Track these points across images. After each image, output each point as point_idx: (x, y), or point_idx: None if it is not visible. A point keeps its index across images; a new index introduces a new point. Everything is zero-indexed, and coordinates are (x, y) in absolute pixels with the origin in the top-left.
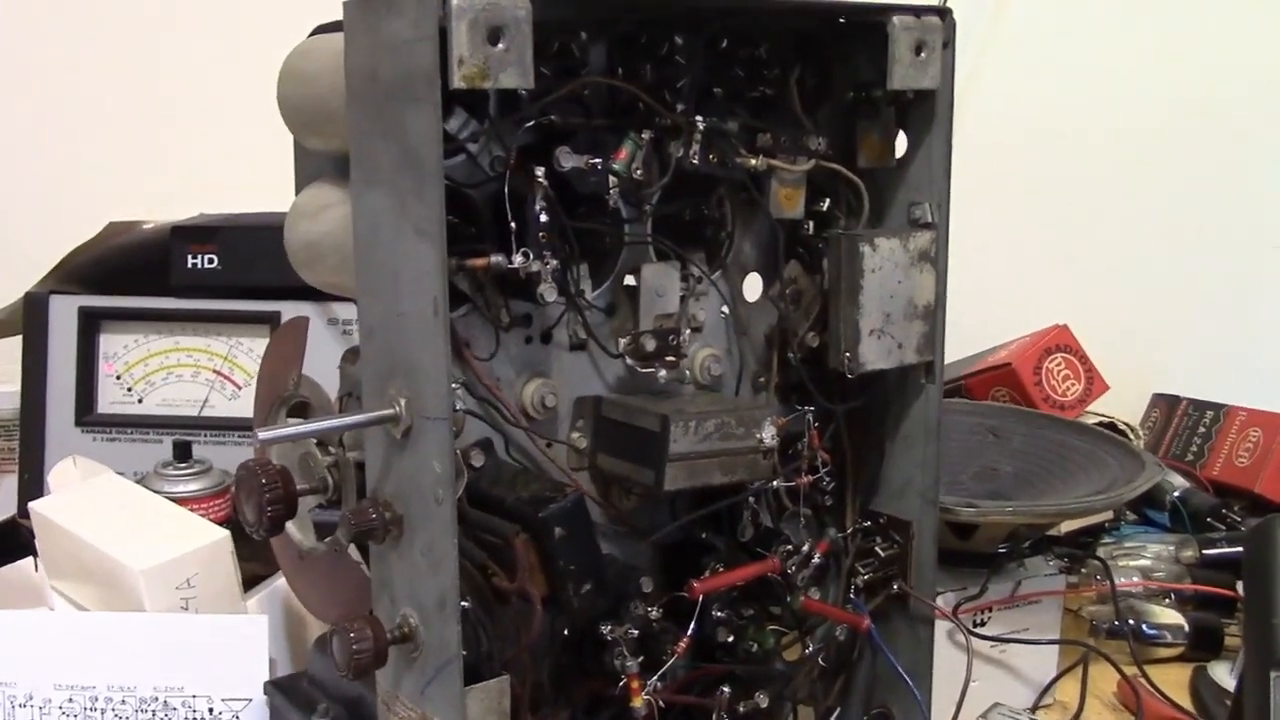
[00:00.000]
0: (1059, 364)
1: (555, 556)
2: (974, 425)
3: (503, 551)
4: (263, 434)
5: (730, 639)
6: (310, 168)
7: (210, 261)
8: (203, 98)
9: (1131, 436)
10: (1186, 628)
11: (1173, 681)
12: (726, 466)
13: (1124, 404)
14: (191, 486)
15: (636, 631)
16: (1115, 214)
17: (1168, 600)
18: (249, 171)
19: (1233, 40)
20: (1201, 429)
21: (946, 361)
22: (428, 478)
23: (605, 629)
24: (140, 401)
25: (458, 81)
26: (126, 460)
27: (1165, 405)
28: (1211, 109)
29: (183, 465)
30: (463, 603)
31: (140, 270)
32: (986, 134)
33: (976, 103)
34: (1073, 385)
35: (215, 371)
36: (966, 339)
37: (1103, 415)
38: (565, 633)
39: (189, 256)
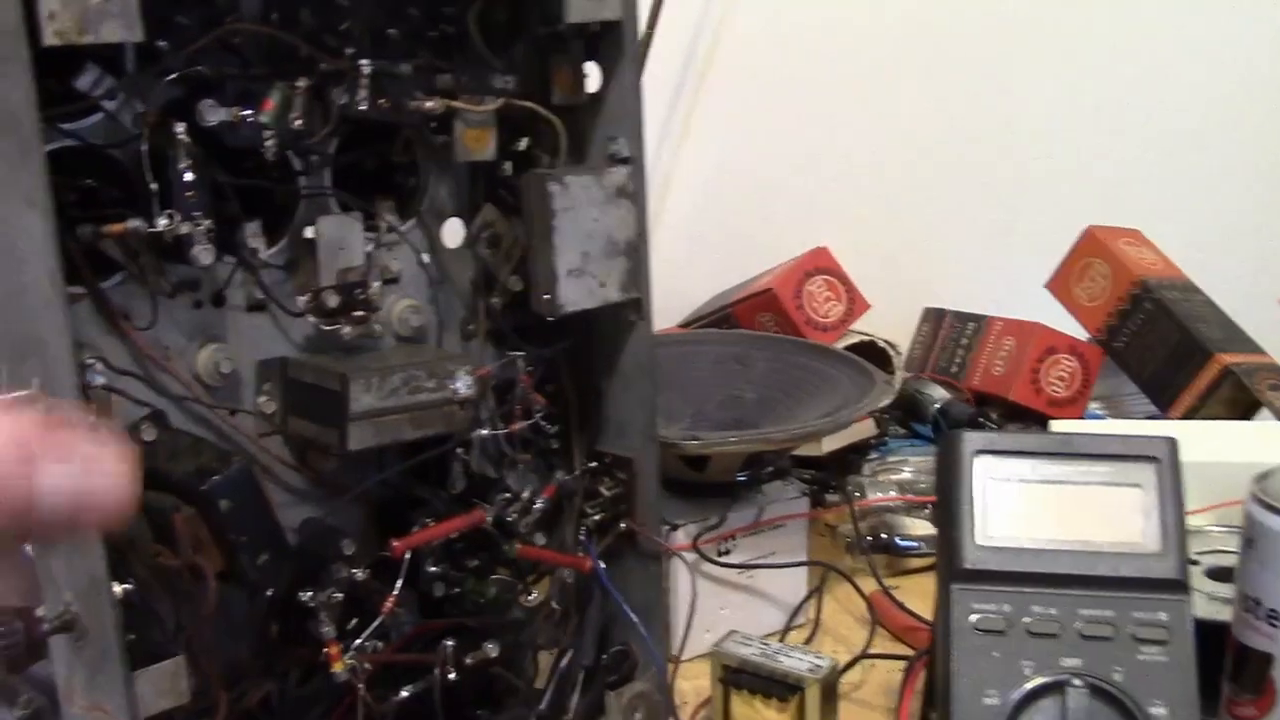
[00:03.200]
0: (820, 286)
1: (224, 529)
2: (720, 354)
3: (167, 529)
4: None
5: (452, 592)
6: None
7: None
8: None
9: (891, 352)
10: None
11: (927, 590)
12: (418, 421)
13: (898, 319)
14: None
15: (341, 595)
16: (878, 134)
17: (925, 511)
18: None
19: None
20: (964, 341)
21: (719, 290)
22: None
23: (305, 595)
24: None
25: (50, 38)
26: None
27: (933, 319)
28: (969, 25)
29: None
30: (124, 585)
31: None
32: (734, 59)
33: (728, 27)
34: (834, 306)
35: None
36: (738, 269)
37: (864, 333)
38: (266, 604)
39: None
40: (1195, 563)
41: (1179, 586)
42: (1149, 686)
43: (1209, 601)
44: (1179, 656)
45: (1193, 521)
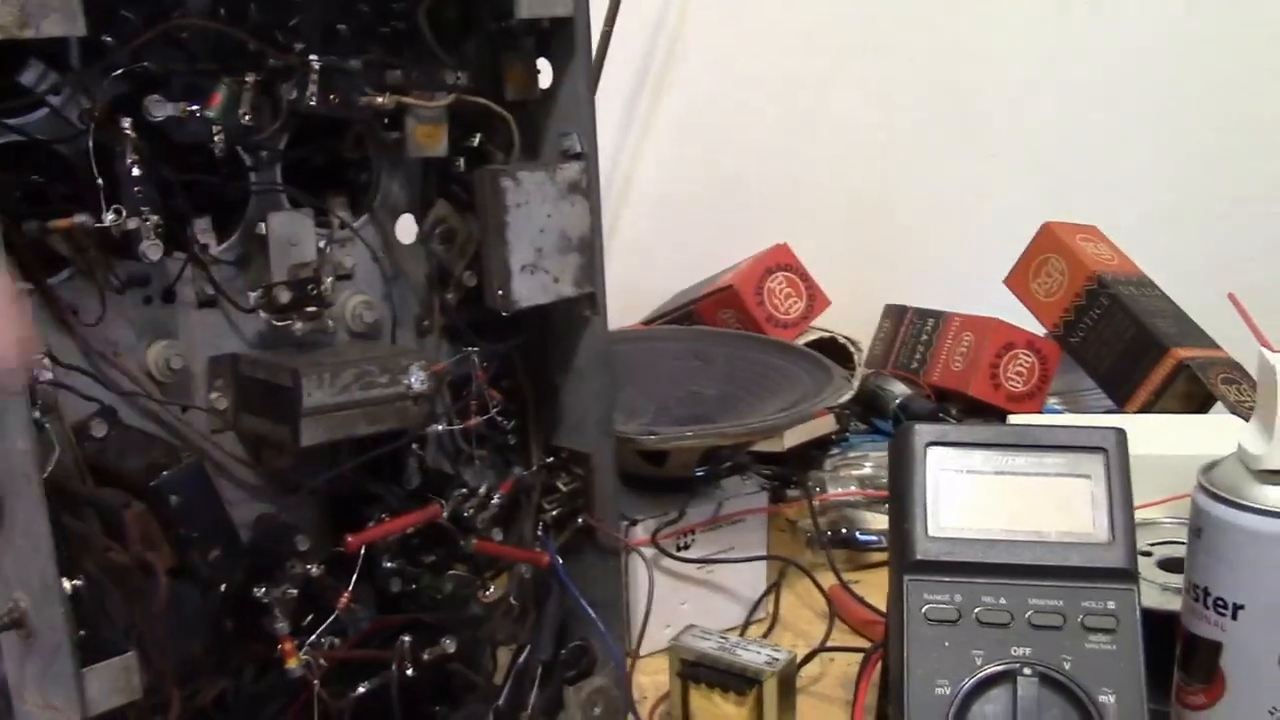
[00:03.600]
0: (780, 282)
1: (175, 525)
2: (680, 350)
3: (117, 525)
4: None
5: (408, 588)
6: None
7: None
8: None
9: (852, 349)
10: None
11: (886, 584)
12: (372, 417)
13: (859, 316)
14: None
15: (296, 591)
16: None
17: (884, 506)
18: None
19: None
20: (924, 336)
21: (681, 289)
22: (15, 456)
23: (259, 591)
24: None
25: None
26: None
27: (894, 315)
28: (927, 21)
29: None
30: (75, 581)
31: None
32: (694, 57)
33: (688, 23)
34: (795, 303)
35: None
36: (700, 266)
37: (825, 330)
38: (219, 600)
39: None
40: (1148, 554)
41: (1127, 576)
42: (1097, 674)
43: (1161, 592)
44: (1127, 645)
45: (1147, 514)
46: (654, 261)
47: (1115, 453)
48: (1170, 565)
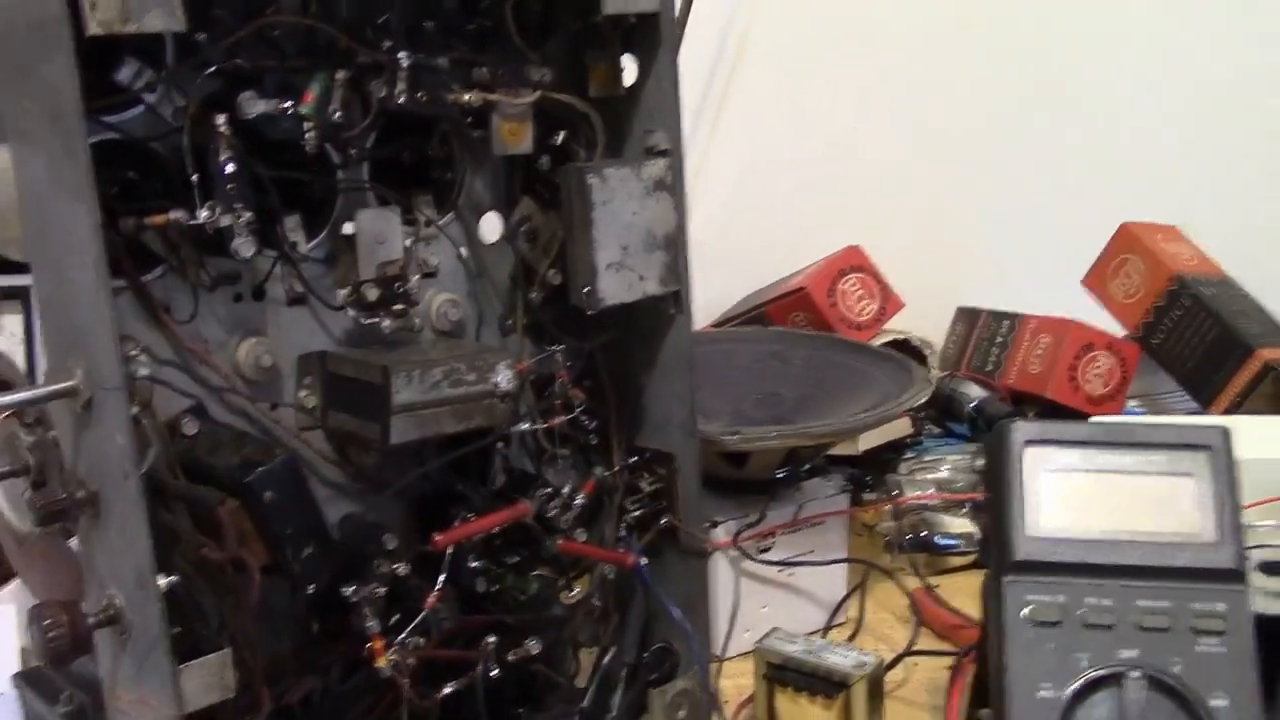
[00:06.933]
0: (853, 284)
1: (268, 522)
2: (758, 352)
3: (212, 522)
4: None
5: (493, 588)
6: None
7: None
8: None
9: (926, 351)
10: (978, 535)
11: (967, 588)
12: (460, 414)
13: (931, 317)
14: None
15: (384, 590)
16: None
17: (963, 510)
18: None
19: None
20: (999, 339)
21: (752, 290)
22: (114, 452)
23: (348, 590)
24: None
25: (93, 28)
26: None
27: (967, 318)
28: (1001, 20)
29: None
30: (170, 578)
31: None
32: (764, 56)
33: (758, 22)
34: (868, 304)
35: None
36: (769, 268)
37: (898, 332)
38: (307, 598)
39: None
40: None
41: (1236, 576)
42: (1209, 678)
43: (1265, 596)
44: (1238, 648)
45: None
46: (723, 263)
47: (1220, 450)
48: (1272, 569)
